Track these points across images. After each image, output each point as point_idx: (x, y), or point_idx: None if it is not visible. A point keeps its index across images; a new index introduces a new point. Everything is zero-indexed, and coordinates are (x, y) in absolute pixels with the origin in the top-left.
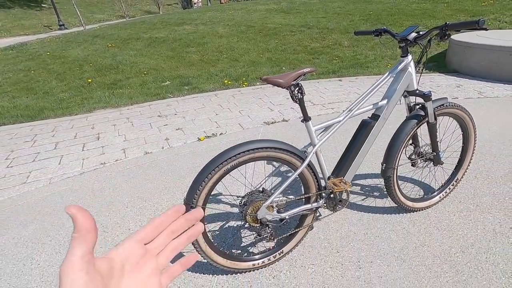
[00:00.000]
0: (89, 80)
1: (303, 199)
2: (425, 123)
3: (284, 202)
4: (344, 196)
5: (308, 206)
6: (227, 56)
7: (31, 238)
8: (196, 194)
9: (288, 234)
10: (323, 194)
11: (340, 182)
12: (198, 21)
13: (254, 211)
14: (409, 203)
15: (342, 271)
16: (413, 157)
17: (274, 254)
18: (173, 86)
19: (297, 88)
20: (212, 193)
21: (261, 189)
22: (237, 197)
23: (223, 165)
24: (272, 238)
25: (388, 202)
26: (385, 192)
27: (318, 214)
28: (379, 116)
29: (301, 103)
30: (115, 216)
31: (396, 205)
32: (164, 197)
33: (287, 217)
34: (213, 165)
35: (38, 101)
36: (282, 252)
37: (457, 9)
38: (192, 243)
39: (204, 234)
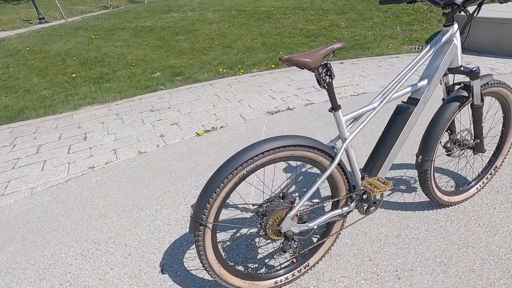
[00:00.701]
0: (73, 75)
1: (331, 204)
2: (468, 105)
3: (309, 209)
4: (378, 196)
5: (338, 211)
6: (219, 43)
7: (9, 263)
8: (206, 209)
9: (314, 245)
10: (354, 196)
11: (378, 182)
12: (186, 8)
13: (277, 222)
14: (445, 198)
15: (379, 283)
16: (449, 145)
17: (299, 268)
18: (164, 77)
19: (326, 70)
20: None
21: (281, 194)
22: (253, 205)
23: (238, 171)
24: (297, 252)
25: (417, 197)
26: (413, 185)
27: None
28: (418, 99)
29: (329, 88)
30: (109, 229)
31: (428, 200)
32: (163, 204)
33: (315, 227)
34: (225, 171)
35: (18, 100)
36: (308, 265)
37: None
38: (204, 266)
39: (217, 253)
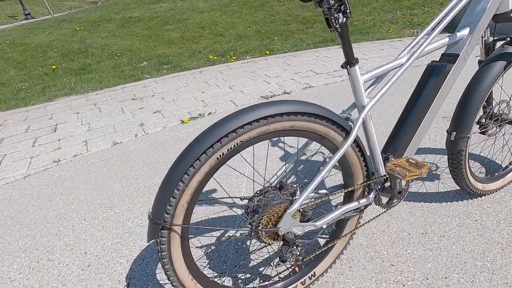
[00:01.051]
0: (53, 67)
1: (343, 195)
2: None
3: (315, 202)
4: (404, 184)
5: (353, 205)
6: (210, 32)
7: None
8: (171, 205)
9: (321, 249)
10: (373, 185)
11: (409, 164)
12: None
13: (273, 221)
14: (480, 186)
15: None
16: (483, 121)
17: (303, 280)
18: (151, 66)
19: (338, 2)
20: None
21: (277, 184)
22: (241, 199)
23: (214, 149)
24: (300, 259)
25: (442, 186)
26: (435, 172)
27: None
28: (457, 55)
29: (343, 31)
30: (67, 234)
31: (454, 189)
32: (137, 201)
33: (324, 226)
34: (196, 151)
35: None
36: (314, 275)
37: None
38: (172, 284)
39: (189, 264)
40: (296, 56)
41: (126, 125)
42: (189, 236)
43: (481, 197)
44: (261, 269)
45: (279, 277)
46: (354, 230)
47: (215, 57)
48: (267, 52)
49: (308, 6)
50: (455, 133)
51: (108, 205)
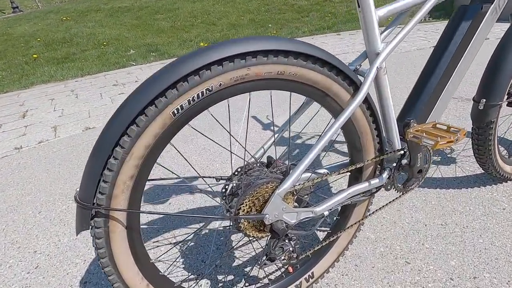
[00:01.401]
0: (35, 56)
1: (349, 175)
2: None
3: (313, 183)
4: (425, 161)
5: (362, 186)
6: (202, 21)
7: None
8: (106, 181)
9: (320, 244)
10: (387, 161)
11: (439, 129)
12: None
13: (257, 206)
14: (508, 168)
15: None
16: None
17: (298, 283)
18: (138, 54)
19: None
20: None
21: (263, 157)
22: (216, 179)
23: (168, 99)
24: (294, 257)
25: (460, 170)
26: (450, 156)
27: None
28: None
29: None
30: (16, 229)
31: (474, 173)
32: None
33: (325, 213)
34: (139, 101)
35: None
36: (312, 276)
37: None
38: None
39: (146, 268)
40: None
41: (103, 110)
42: (142, 226)
43: (506, 182)
44: (245, 270)
45: (268, 280)
46: (362, 219)
47: (207, 45)
48: None
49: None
50: (484, 100)
51: (70, 197)
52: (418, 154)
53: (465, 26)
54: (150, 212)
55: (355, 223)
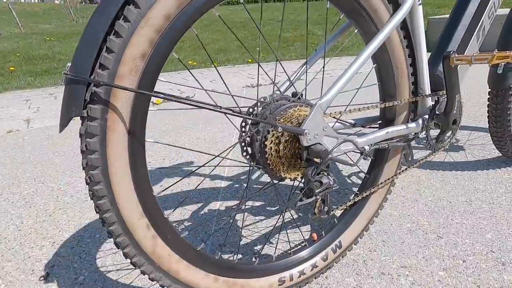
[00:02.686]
0: (12, 68)
1: (383, 113)
2: None
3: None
4: (460, 110)
5: (401, 128)
6: (190, 45)
7: None
8: (111, 51)
9: (349, 203)
10: (422, 105)
11: (482, 55)
12: None
13: (293, 119)
14: None
15: (474, 275)
16: None
17: (324, 253)
18: None
19: None
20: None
21: (288, 91)
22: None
23: None
24: (325, 210)
25: (471, 156)
26: (457, 144)
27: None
28: None
29: None
30: None
31: (487, 158)
32: (83, 175)
33: (366, 148)
34: None
35: None
36: (340, 246)
37: None
38: (132, 264)
39: (148, 200)
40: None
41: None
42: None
43: None
44: (261, 240)
45: (285, 251)
46: (395, 175)
47: (195, 63)
48: (250, 61)
49: (288, 28)
50: (503, 63)
51: (40, 179)
52: (456, 96)
53: None
54: (166, 97)
55: (387, 180)
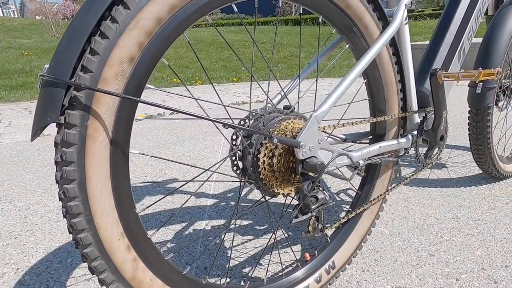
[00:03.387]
0: None
1: (373, 128)
2: None
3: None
4: (447, 126)
5: (391, 143)
6: (175, 63)
7: None
8: (96, 53)
9: (342, 219)
10: (410, 120)
11: (468, 71)
12: None
13: (288, 132)
14: (501, 164)
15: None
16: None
17: (317, 275)
18: None
19: None
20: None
21: (281, 104)
22: (226, 124)
23: None
24: (319, 228)
25: (453, 173)
26: (439, 162)
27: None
28: None
29: None
30: None
31: (468, 175)
32: (54, 193)
33: (360, 162)
34: None
35: None
36: (333, 267)
37: None
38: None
39: (133, 220)
40: (264, 83)
41: None
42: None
43: (500, 181)
44: (251, 261)
45: (274, 274)
46: (386, 191)
47: (180, 81)
48: (235, 79)
49: (271, 50)
50: (481, 84)
51: (7, 198)
52: (443, 113)
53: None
54: (154, 104)
55: (379, 196)
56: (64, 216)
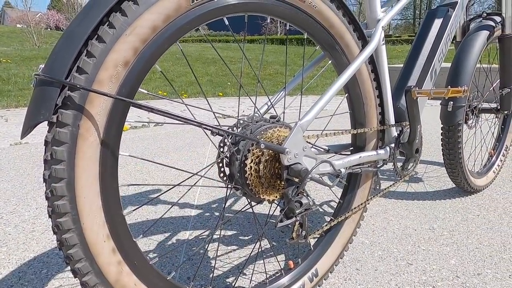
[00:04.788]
0: None
1: (354, 139)
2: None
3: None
4: (421, 139)
5: (371, 154)
6: (160, 76)
7: None
8: (92, 56)
9: (325, 227)
10: (388, 134)
11: (440, 89)
12: None
13: (275, 139)
14: (472, 178)
15: None
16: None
17: (301, 283)
18: None
19: None
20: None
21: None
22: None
23: None
24: (303, 235)
25: (429, 186)
26: (416, 176)
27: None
28: (456, 2)
29: None
30: None
31: (442, 189)
32: (30, 202)
33: (342, 170)
34: None
35: None
36: (316, 275)
37: None
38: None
39: (119, 223)
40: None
41: (39, 131)
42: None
43: (471, 194)
44: (234, 264)
45: (264, 280)
46: (367, 200)
47: (165, 93)
48: (220, 94)
49: (257, 67)
50: (452, 102)
51: None
52: (418, 127)
53: (435, 25)
54: (146, 106)
55: (360, 205)
56: (50, 216)
